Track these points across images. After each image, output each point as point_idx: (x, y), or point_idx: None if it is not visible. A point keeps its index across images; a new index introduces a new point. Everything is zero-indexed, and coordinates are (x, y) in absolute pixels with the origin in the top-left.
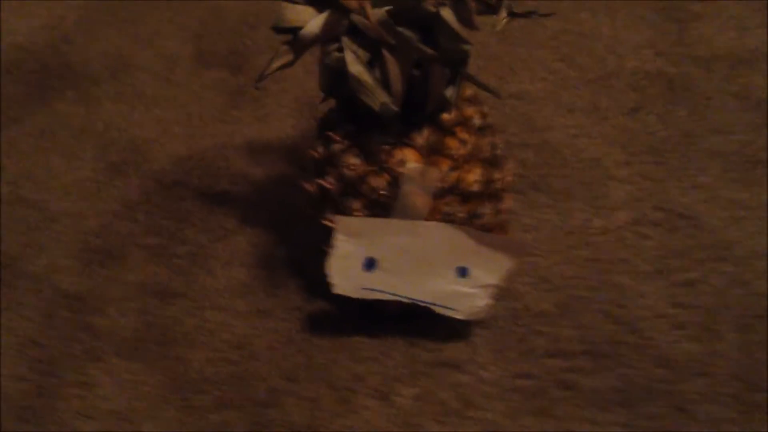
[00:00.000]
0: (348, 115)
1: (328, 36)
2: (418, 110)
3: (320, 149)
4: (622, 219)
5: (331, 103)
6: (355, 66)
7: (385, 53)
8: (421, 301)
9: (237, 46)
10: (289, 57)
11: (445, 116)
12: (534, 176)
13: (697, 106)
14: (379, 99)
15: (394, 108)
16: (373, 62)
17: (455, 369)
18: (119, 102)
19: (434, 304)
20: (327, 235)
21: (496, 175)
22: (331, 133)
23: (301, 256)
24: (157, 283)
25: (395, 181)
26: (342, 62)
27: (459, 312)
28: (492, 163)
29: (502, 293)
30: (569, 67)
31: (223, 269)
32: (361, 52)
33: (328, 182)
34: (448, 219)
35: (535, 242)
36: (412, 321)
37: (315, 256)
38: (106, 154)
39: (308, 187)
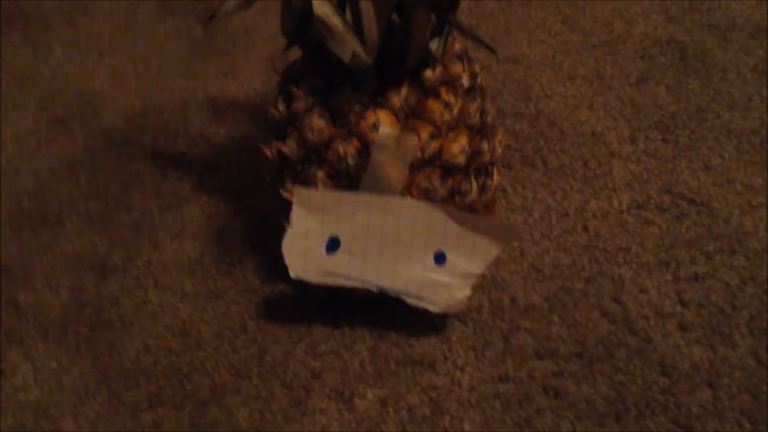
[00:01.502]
0: (314, 67)
1: None
2: (396, 65)
3: (281, 107)
4: (625, 202)
5: (298, 52)
6: (321, 7)
7: None
8: (391, 290)
9: None
10: None
11: (428, 73)
12: (527, 150)
13: (712, 78)
14: (349, 48)
15: (368, 59)
16: (344, 2)
17: (427, 369)
18: (71, 49)
19: (406, 294)
20: (288, 207)
21: (485, 147)
22: (293, 88)
23: (262, 230)
24: (94, 255)
25: (366, 149)
26: (307, 2)
27: (434, 304)
28: (480, 131)
29: (485, 282)
30: (571, 31)
31: (171, 242)
32: None
33: (288, 146)
34: (427, 195)
35: (525, 225)
36: (381, 311)
37: (277, 230)
38: (51, 107)
39: (266, 151)
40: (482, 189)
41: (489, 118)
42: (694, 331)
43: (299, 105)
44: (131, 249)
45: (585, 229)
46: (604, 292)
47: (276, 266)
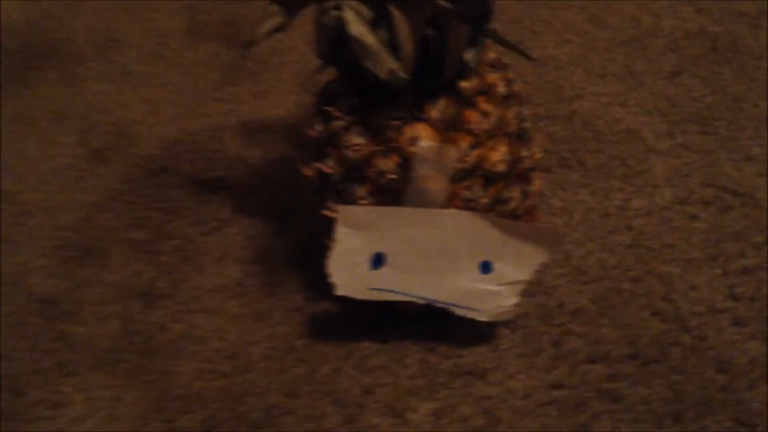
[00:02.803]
0: (350, 86)
1: None
2: (433, 77)
3: (319, 127)
4: (667, 198)
5: (332, 72)
6: (356, 26)
7: (393, 9)
8: (438, 302)
9: (232, 17)
10: (281, 18)
11: (465, 84)
12: (564, 151)
13: (746, 67)
14: (385, 65)
15: (404, 75)
16: (379, 21)
17: (479, 379)
18: (104, 81)
19: (454, 305)
20: (330, 226)
21: (524, 153)
22: (330, 108)
23: (304, 249)
24: (140, 284)
25: (406, 163)
26: (341, 21)
27: (483, 313)
28: (519, 138)
29: (531, 288)
30: (598, 28)
31: (214, 266)
32: (363, 8)
33: (328, 166)
34: (470, 206)
35: (568, 228)
36: (429, 323)
37: (318, 249)
38: (88, 139)
39: (306, 171)
40: (524, 195)
41: (527, 124)
42: (748, 326)
43: (337, 124)
44: (176, 275)
45: (629, 228)
46: (654, 290)
47: (320, 285)
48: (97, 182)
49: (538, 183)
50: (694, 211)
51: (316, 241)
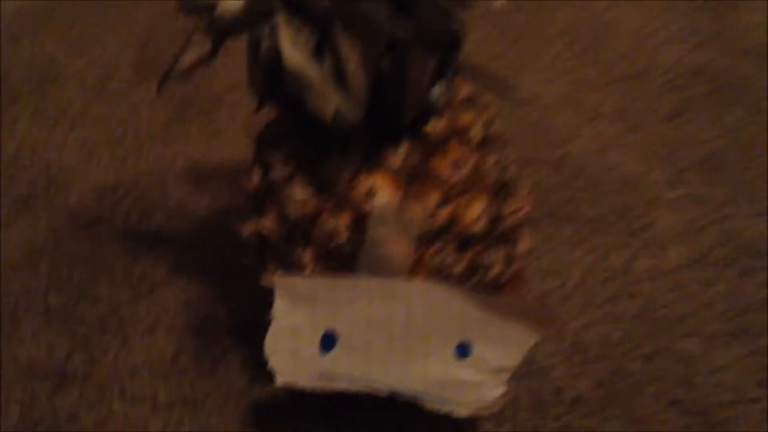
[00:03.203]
0: (293, 128)
1: (255, 13)
2: (392, 118)
3: (255, 178)
4: (677, 258)
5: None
6: (293, 56)
7: (339, 34)
8: (405, 393)
9: None
10: (206, 46)
11: (431, 126)
12: (554, 202)
13: (754, 107)
14: (331, 103)
15: (353, 116)
16: (322, 48)
17: None
18: (38, 121)
19: (425, 396)
20: (271, 298)
21: (507, 209)
22: (269, 155)
23: (250, 318)
24: (51, 360)
25: (361, 222)
26: (277, 51)
27: (461, 406)
28: (500, 190)
29: (521, 369)
30: (589, 66)
31: (142, 338)
32: (303, 34)
33: (266, 225)
34: (440, 274)
35: (561, 295)
36: (395, 415)
37: (265, 320)
38: (12, 187)
39: (243, 230)
40: (508, 260)
41: (510, 174)
42: None
43: (277, 175)
44: (95, 350)
45: (634, 295)
46: (670, 373)
47: (266, 363)
48: (17, 236)
49: (525, 243)
50: (710, 275)
51: (267, 309)
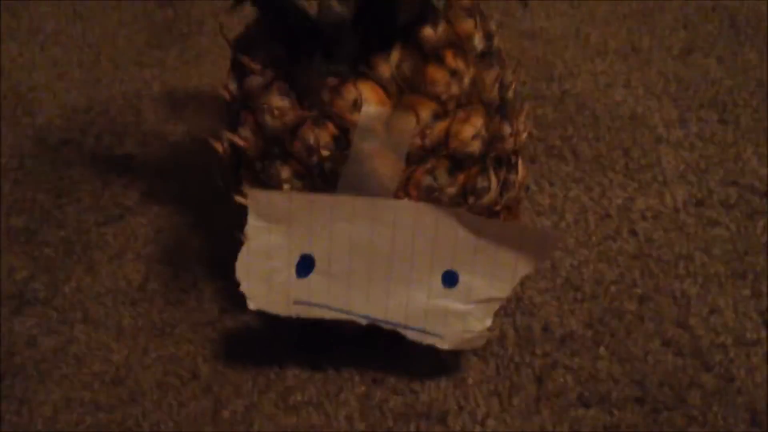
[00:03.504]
0: (273, 29)
1: None
2: (384, 21)
3: (232, 85)
4: (680, 198)
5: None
6: None
7: None
8: (385, 322)
9: None
10: None
11: (428, 31)
12: (553, 138)
13: (767, 49)
14: None
15: (344, 10)
16: None
17: (437, 423)
18: (8, 40)
19: (406, 327)
20: (244, 217)
21: (506, 130)
22: (245, 59)
23: (224, 247)
24: (11, 283)
25: (345, 135)
26: None
27: (444, 339)
28: (500, 110)
29: (509, 304)
30: None
31: (109, 263)
32: None
33: (242, 137)
34: (431, 197)
35: (557, 230)
36: (375, 347)
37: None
38: None
39: (217, 145)
40: (503, 186)
41: (510, 93)
42: None
43: (254, 81)
44: (58, 273)
45: (633, 233)
46: (665, 314)
47: (240, 293)
48: None
49: (522, 171)
50: (714, 215)
51: (238, 238)
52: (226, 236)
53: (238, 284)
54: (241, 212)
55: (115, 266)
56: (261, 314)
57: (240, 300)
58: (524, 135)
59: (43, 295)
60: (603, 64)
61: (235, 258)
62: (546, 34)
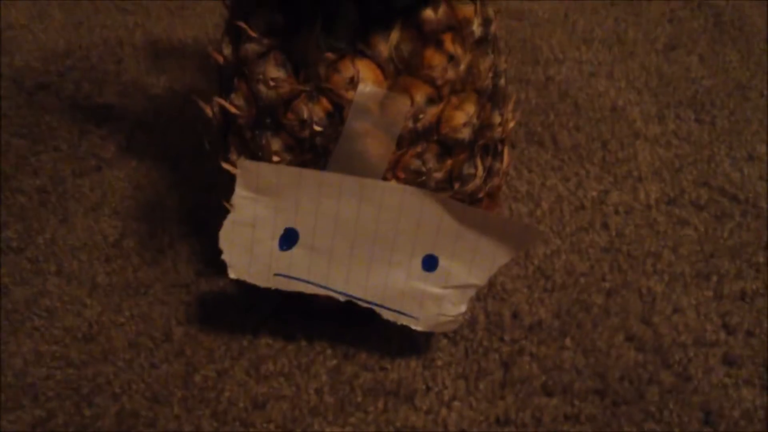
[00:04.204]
0: None
1: None
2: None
3: (227, 50)
4: (653, 195)
5: None
6: None
7: None
8: (363, 300)
9: None
10: None
11: (429, 13)
12: (534, 124)
13: (752, 50)
14: None
15: None
16: None
17: (404, 402)
18: None
19: (382, 306)
20: (232, 183)
21: (496, 118)
22: (243, 24)
23: (204, 208)
24: None
25: (339, 112)
26: None
27: (418, 320)
28: (492, 98)
29: (480, 290)
30: None
31: (84, 217)
32: None
33: (234, 104)
34: (417, 180)
35: (532, 218)
36: (348, 322)
37: (223, 211)
38: None
39: (206, 109)
40: (488, 173)
41: (502, 81)
42: (743, 368)
43: (250, 48)
44: (32, 223)
45: (605, 226)
46: (630, 309)
47: (218, 256)
48: None
49: (507, 159)
50: (685, 215)
51: (219, 200)
52: (204, 197)
53: (219, 251)
54: (224, 176)
55: (91, 220)
56: (237, 281)
57: (216, 265)
58: (511, 124)
59: (16, 244)
60: (588, 53)
61: (212, 221)
62: (533, 17)
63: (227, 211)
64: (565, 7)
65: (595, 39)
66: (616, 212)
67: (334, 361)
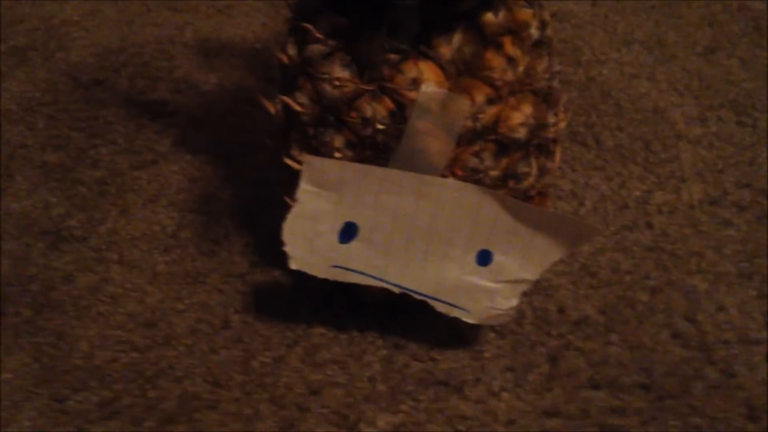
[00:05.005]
0: (337, 2)
1: None
2: (449, 2)
3: (291, 51)
4: (696, 195)
5: None
6: None
7: None
8: (417, 293)
9: None
10: None
11: (490, 17)
12: (577, 124)
13: None
14: None
15: None
16: None
17: (454, 392)
18: None
19: (436, 299)
20: (292, 179)
21: (550, 119)
22: (308, 26)
23: (256, 201)
24: (47, 218)
25: (401, 111)
26: None
27: (471, 313)
28: (547, 99)
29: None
30: None
31: (143, 208)
32: None
33: (298, 102)
34: (474, 177)
35: (576, 217)
36: (398, 313)
37: (274, 203)
38: (11, 35)
39: (269, 106)
40: (541, 172)
41: (556, 82)
42: None
43: (316, 49)
44: (93, 213)
45: (649, 225)
46: (675, 307)
47: (271, 247)
48: (14, 87)
49: (557, 159)
50: (727, 215)
51: (273, 194)
52: (255, 190)
53: (271, 242)
54: (285, 172)
55: (149, 211)
56: (290, 272)
57: (269, 256)
58: (563, 124)
59: (79, 233)
60: (629, 55)
61: (264, 214)
62: (575, 18)
63: (280, 205)
64: (606, 9)
65: (636, 41)
66: (660, 212)
67: (385, 351)
